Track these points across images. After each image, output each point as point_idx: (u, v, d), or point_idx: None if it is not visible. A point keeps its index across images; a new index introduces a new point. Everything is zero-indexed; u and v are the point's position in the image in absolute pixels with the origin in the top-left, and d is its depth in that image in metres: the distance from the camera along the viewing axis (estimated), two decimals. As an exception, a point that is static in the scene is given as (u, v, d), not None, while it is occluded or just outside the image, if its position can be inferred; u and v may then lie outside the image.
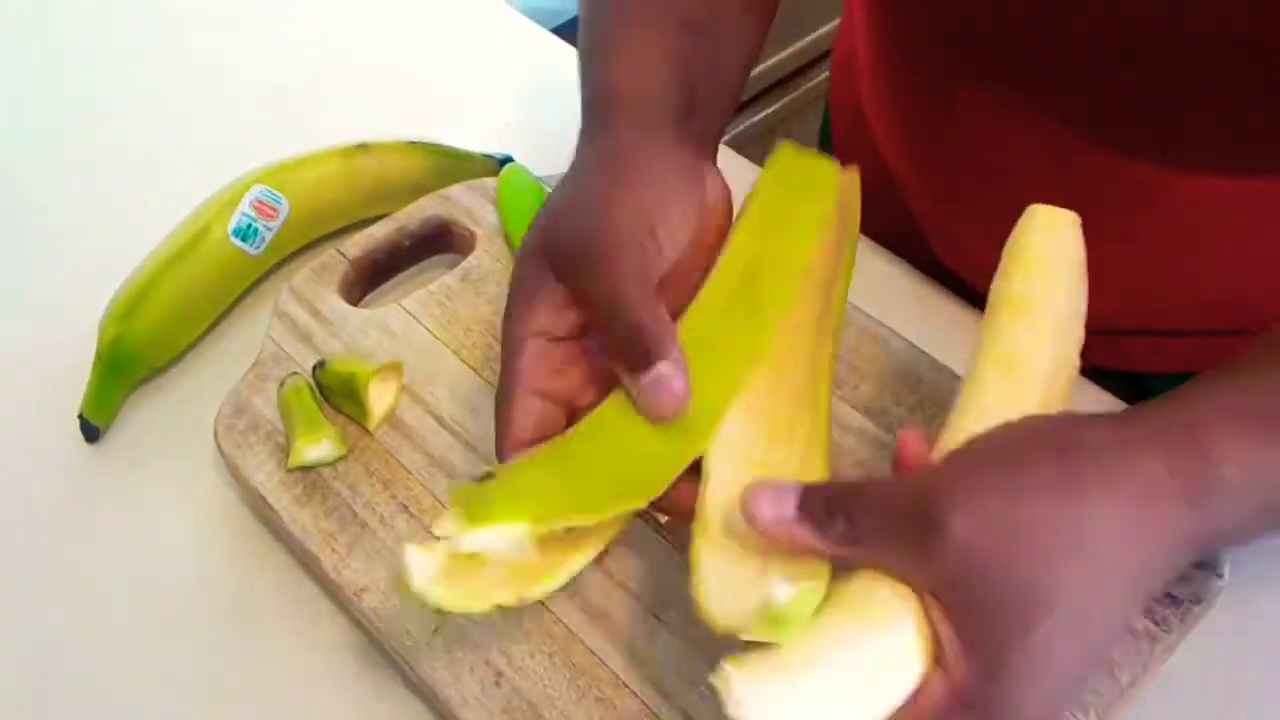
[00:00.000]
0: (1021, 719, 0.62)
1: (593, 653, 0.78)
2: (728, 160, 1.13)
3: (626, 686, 0.76)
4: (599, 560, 0.80)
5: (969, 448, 0.67)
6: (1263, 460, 0.66)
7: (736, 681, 0.61)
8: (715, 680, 0.61)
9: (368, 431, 0.89)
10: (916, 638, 0.63)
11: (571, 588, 0.80)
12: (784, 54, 2.55)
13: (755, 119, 2.59)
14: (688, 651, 0.78)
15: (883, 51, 1.04)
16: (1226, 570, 0.78)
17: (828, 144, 1.24)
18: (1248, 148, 0.84)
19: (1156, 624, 0.76)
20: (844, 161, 1.09)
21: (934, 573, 0.63)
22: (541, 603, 0.80)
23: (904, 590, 0.64)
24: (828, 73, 2.34)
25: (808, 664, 0.62)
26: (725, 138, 0.91)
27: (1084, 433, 0.66)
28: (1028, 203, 0.77)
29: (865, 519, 0.64)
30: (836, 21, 1.21)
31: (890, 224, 1.05)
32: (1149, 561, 0.64)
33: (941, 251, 1.08)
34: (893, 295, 0.99)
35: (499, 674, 0.77)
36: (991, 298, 0.76)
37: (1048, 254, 0.76)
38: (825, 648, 0.63)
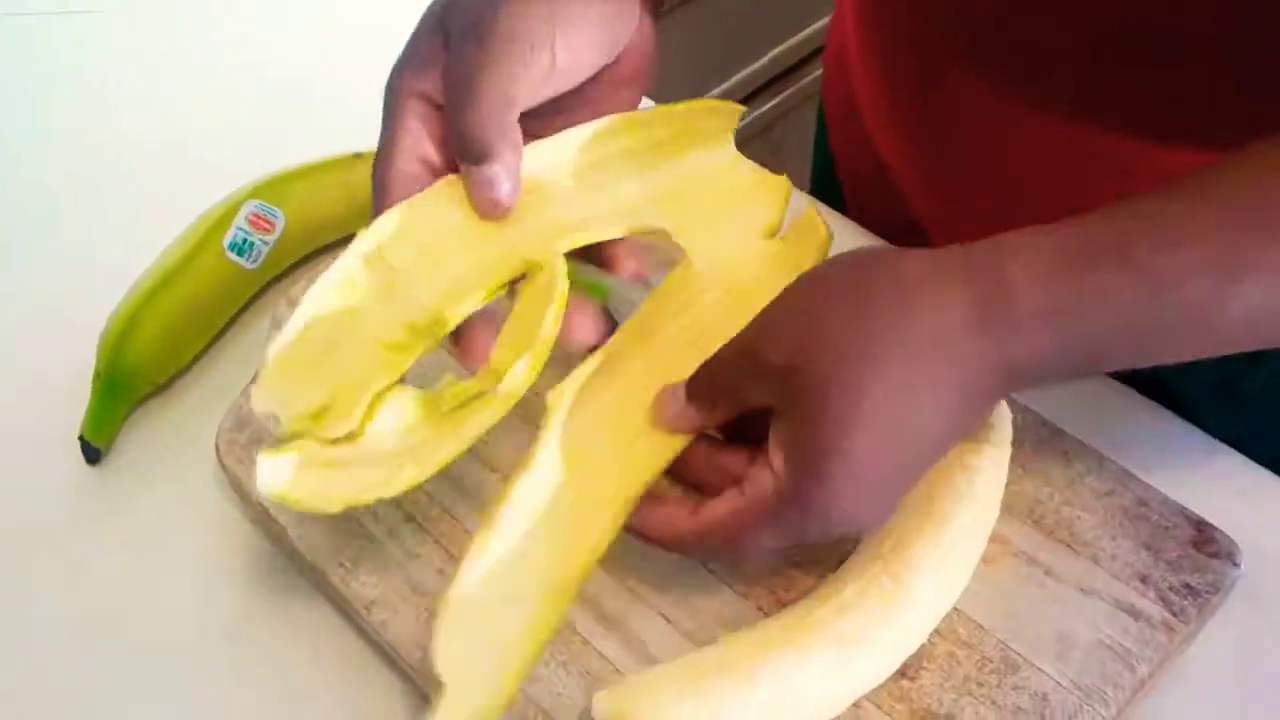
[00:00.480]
0: (833, 517, 0.68)
1: (606, 660, 0.77)
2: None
3: (642, 693, 0.76)
4: (612, 567, 0.80)
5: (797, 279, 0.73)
6: (1058, 295, 0.66)
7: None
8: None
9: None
10: None
11: (585, 595, 0.79)
12: (776, 51, 2.55)
13: (749, 118, 2.59)
14: (702, 656, 0.77)
15: (872, 42, 1.04)
16: (1243, 560, 0.78)
17: (823, 140, 1.23)
18: (1236, 123, 0.83)
19: (1174, 614, 0.76)
20: (842, 156, 1.09)
21: (769, 394, 0.70)
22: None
23: None
24: (820, 70, 2.34)
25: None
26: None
27: (896, 257, 0.71)
28: (1020, 190, 0.77)
29: (719, 378, 0.74)
30: (828, 18, 1.20)
31: (891, 218, 1.05)
32: (950, 376, 0.67)
33: (941, 244, 1.07)
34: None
35: (512, 684, 0.76)
36: None
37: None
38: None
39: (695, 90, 2.38)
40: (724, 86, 2.47)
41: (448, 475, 0.84)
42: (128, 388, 0.95)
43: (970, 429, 0.75)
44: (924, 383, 0.67)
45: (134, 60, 1.30)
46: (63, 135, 1.22)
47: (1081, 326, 0.66)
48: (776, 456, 0.69)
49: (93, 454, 0.93)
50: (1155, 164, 0.86)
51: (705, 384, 0.74)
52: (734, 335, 0.73)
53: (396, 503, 0.85)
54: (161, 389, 0.98)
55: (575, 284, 0.78)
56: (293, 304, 0.94)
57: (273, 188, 1.02)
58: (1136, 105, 0.85)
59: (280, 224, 1.01)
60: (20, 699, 0.83)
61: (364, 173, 1.03)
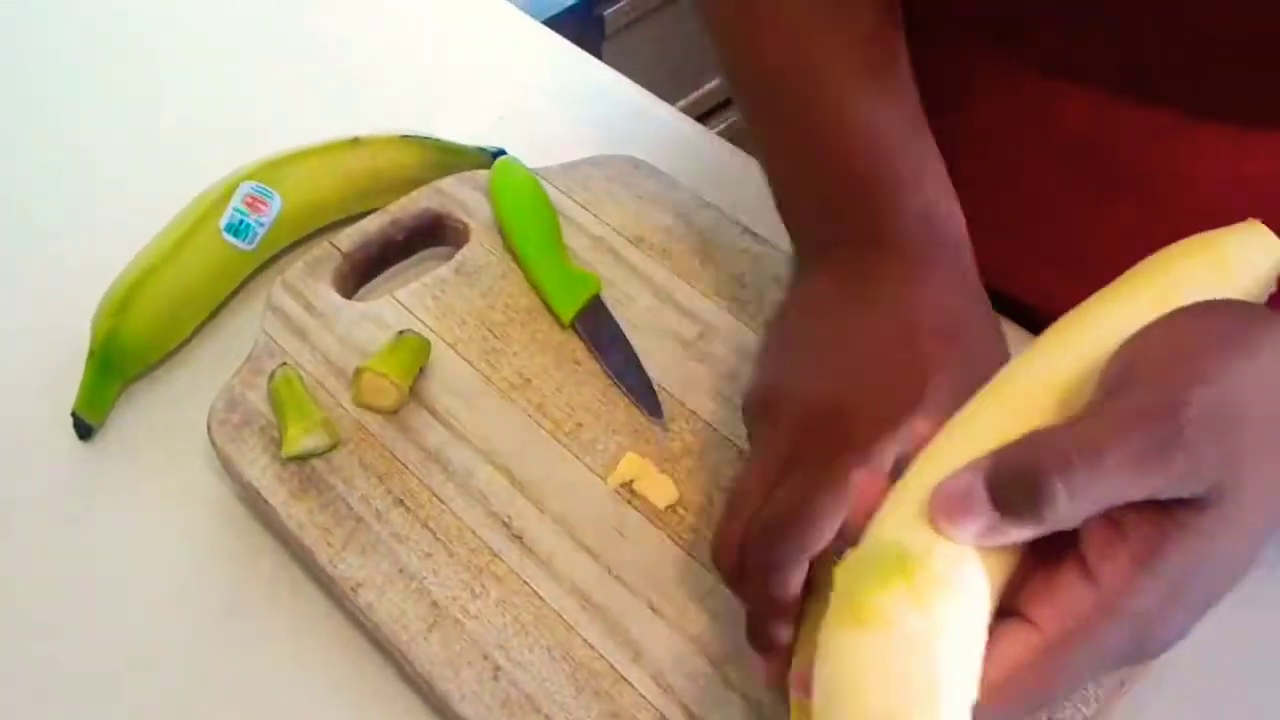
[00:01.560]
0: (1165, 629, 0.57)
1: (591, 646, 0.78)
2: (727, 156, 1.13)
3: (626, 680, 0.76)
4: (599, 559, 0.80)
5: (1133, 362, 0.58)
6: None
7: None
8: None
9: (362, 425, 0.88)
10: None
11: (570, 582, 0.80)
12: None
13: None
14: (687, 645, 0.77)
15: None
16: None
17: None
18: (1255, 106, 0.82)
19: (1157, 613, 0.76)
20: None
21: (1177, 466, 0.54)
22: (540, 596, 0.80)
23: None
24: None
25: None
26: (721, 127, 0.90)
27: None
28: (1033, 190, 0.74)
29: (1085, 465, 0.53)
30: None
31: None
32: None
33: None
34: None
35: (497, 668, 0.77)
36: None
37: (1245, 265, 0.67)
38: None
39: (695, 87, 2.37)
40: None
41: (437, 460, 0.85)
42: (121, 366, 0.95)
43: None
44: None
45: (132, 43, 1.30)
46: (59, 116, 1.22)
47: None
48: (1128, 575, 0.56)
49: (85, 430, 0.93)
50: (1173, 170, 0.85)
51: (1050, 500, 0.54)
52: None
53: (386, 486, 0.85)
54: (155, 367, 0.98)
55: (567, 276, 0.78)
56: (287, 286, 0.95)
57: (270, 170, 1.02)
58: (1163, 99, 0.85)
59: (276, 206, 1.01)
60: (9, 676, 0.83)
61: (361, 157, 1.05)
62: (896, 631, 0.53)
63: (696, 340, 0.93)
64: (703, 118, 2.07)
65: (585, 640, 0.78)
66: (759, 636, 0.67)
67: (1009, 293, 0.89)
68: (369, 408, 0.89)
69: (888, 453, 0.67)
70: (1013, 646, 0.56)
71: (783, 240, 0.94)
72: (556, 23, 1.33)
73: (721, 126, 2.02)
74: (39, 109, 1.23)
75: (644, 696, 0.75)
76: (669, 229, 1.00)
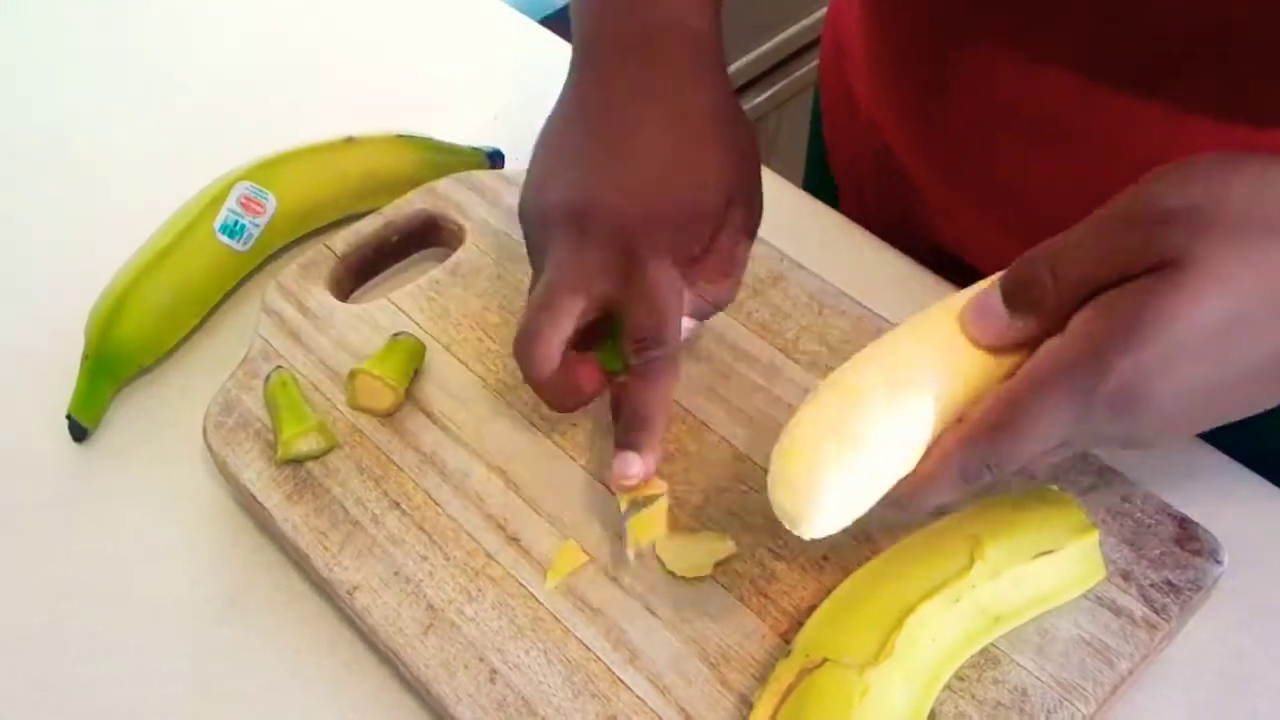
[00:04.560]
0: (1139, 390, 0.61)
1: (587, 648, 0.77)
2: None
3: (622, 681, 0.76)
4: (597, 560, 0.80)
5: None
6: None
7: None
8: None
9: (357, 428, 0.88)
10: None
11: (565, 584, 0.80)
12: (771, 43, 2.54)
13: (760, 98, 2.57)
14: (683, 645, 0.77)
15: (873, 14, 1.03)
16: (1226, 557, 0.78)
17: (818, 132, 1.23)
18: (1240, 97, 0.82)
19: (1155, 611, 0.76)
20: (836, 145, 1.08)
21: (1141, 251, 0.62)
22: (536, 598, 0.79)
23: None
24: (814, 63, 2.33)
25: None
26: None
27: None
28: (1017, 168, 0.75)
29: (1069, 256, 0.64)
30: (821, 12, 1.20)
31: (892, 208, 1.05)
32: None
33: (943, 229, 1.06)
34: (888, 284, 0.99)
35: (493, 671, 0.76)
36: None
37: None
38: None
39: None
40: (749, 57, 2.44)
41: (433, 462, 0.85)
42: (116, 368, 0.95)
43: None
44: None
45: (128, 42, 1.30)
46: (53, 116, 1.22)
47: None
48: (1085, 315, 0.63)
49: (80, 433, 0.93)
50: (1168, 127, 0.85)
51: (1042, 287, 0.65)
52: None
53: (382, 489, 0.85)
54: (150, 369, 0.98)
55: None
56: (282, 289, 0.94)
57: (264, 170, 1.02)
58: (1145, 65, 0.85)
59: (271, 206, 1.01)
60: (3, 678, 0.83)
61: (355, 157, 1.04)
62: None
63: (693, 340, 0.92)
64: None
65: (581, 642, 0.78)
66: (638, 437, 0.78)
67: (982, 266, 0.90)
68: (364, 410, 0.89)
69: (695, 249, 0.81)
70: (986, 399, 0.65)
71: (778, 238, 0.94)
72: (551, 22, 1.33)
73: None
74: (33, 110, 1.23)
75: (640, 698, 0.75)
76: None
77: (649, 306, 0.78)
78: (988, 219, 0.78)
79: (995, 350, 0.67)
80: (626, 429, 0.78)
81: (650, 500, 0.78)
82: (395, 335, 0.91)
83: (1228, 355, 0.61)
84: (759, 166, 0.86)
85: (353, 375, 0.88)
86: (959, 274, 1.00)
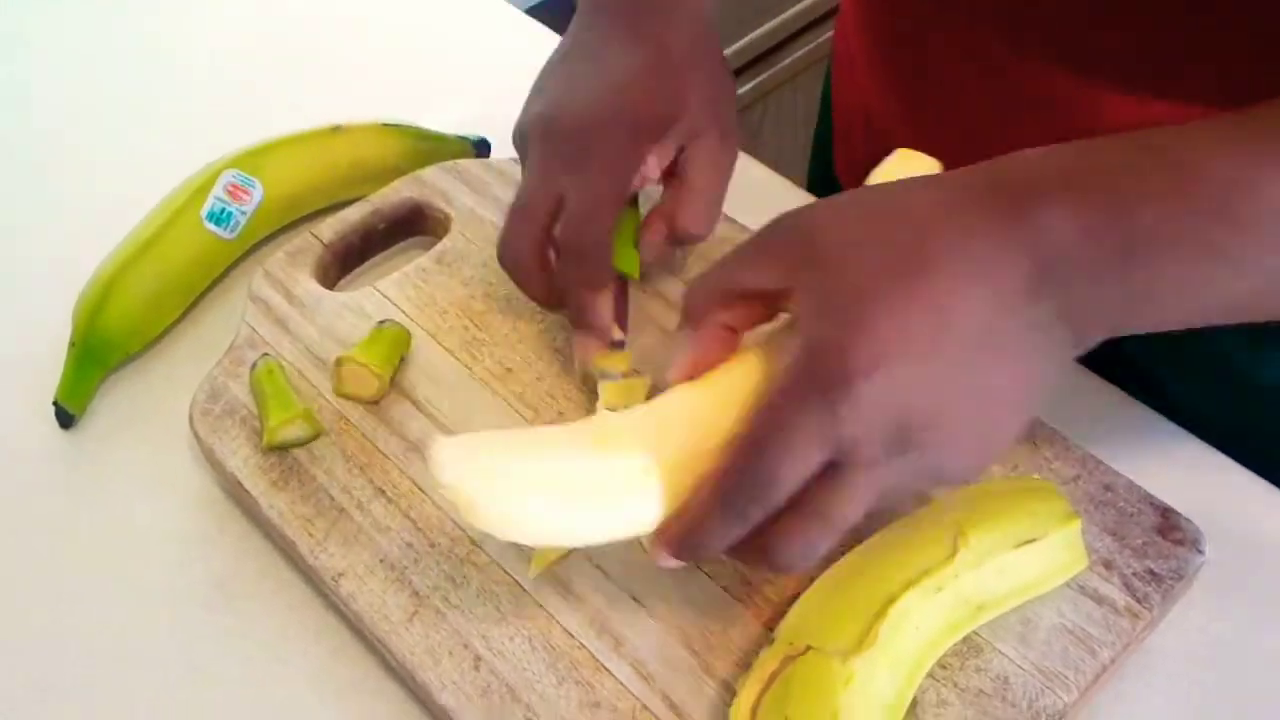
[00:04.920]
0: (882, 377, 0.62)
1: (571, 635, 0.78)
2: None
3: (606, 669, 0.76)
4: (581, 550, 0.80)
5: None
6: (1099, 230, 0.64)
7: (444, 447, 0.68)
8: (430, 447, 0.68)
9: (343, 415, 0.88)
10: (658, 480, 0.68)
11: (550, 572, 0.80)
12: (772, 23, 2.53)
13: (745, 88, 2.56)
14: (667, 633, 0.77)
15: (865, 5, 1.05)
16: (1208, 547, 0.78)
17: (828, 101, 1.22)
18: (1238, 83, 0.83)
19: (1138, 600, 0.76)
20: (838, 114, 1.08)
21: (776, 268, 0.68)
22: (521, 586, 0.80)
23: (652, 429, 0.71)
24: (818, 40, 2.31)
25: (527, 452, 0.70)
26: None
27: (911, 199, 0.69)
28: (994, 151, 0.76)
29: (713, 273, 0.72)
30: (802, 5, 1.19)
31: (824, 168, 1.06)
32: (1003, 302, 0.64)
33: None
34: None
35: (478, 658, 0.77)
36: None
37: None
38: (555, 445, 0.71)
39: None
40: (734, 47, 2.44)
41: (418, 450, 0.85)
42: (102, 355, 0.95)
43: (1024, 342, 0.66)
44: (976, 304, 0.64)
45: (115, 30, 1.30)
46: (40, 106, 1.22)
47: (1106, 197, 0.64)
48: (792, 336, 0.66)
49: (66, 419, 0.93)
50: (1138, 117, 0.85)
51: (699, 285, 0.73)
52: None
53: (368, 477, 0.85)
54: (136, 357, 0.98)
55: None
56: (269, 276, 0.94)
57: (251, 158, 1.02)
58: (1120, 55, 0.85)
59: (258, 194, 1.01)
60: (-11, 664, 0.83)
61: (342, 145, 1.04)
62: None
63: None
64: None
65: (565, 629, 0.78)
66: (584, 316, 0.86)
67: None
68: (350, 398, 0.89)
69: (652, 152, 0.87)
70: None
71: (757, 222, 0.94)
72: (538, 11, 1.33)
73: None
74: (17, 99, 1.23)
75: (624, 685, 0.75)
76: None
77: (581, 195, 0.84)
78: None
79: (681, 378, 0.73)
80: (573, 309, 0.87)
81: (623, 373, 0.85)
82: (381, 323, 0.91)
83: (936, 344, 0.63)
84: (733, 108, 0.92)
85: (338, 363, 0.88)
86: None
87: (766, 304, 0.71)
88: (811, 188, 1.17)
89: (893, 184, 0.71)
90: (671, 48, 0.88)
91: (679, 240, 0.89)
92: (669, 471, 0.68)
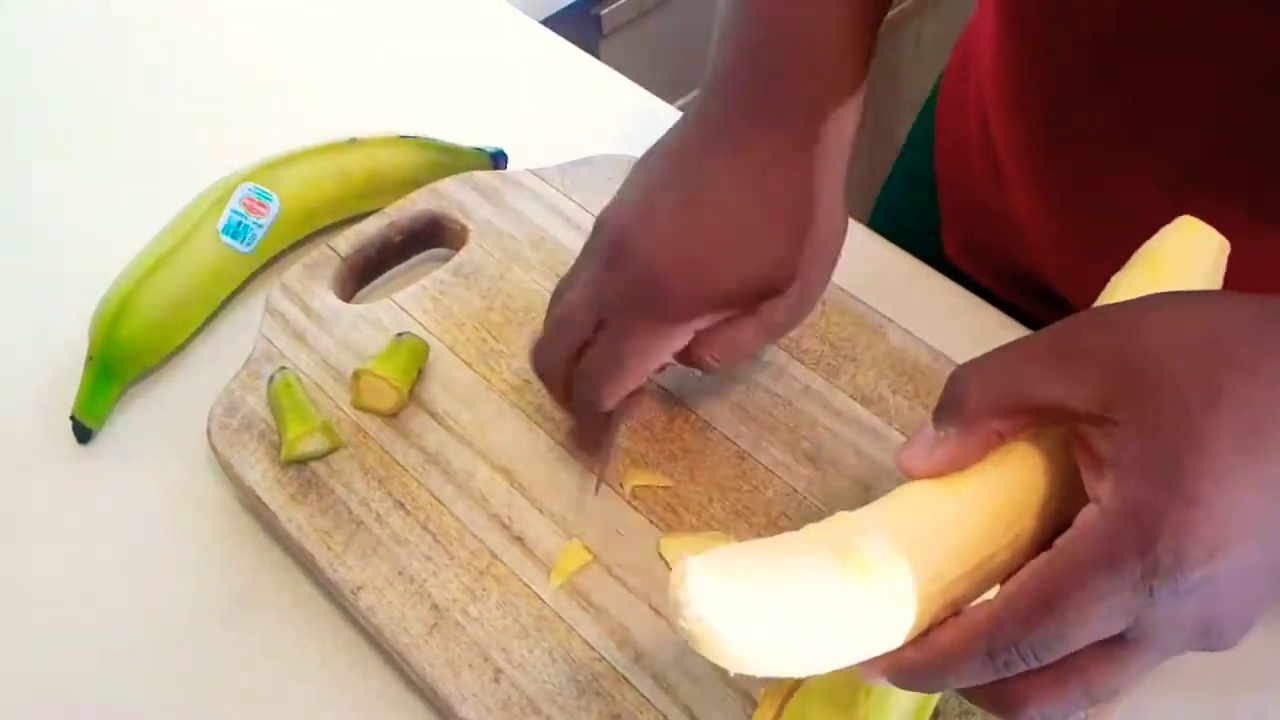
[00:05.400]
0: (1193, 557, 0.53)
1: (592, 647, 0.78)
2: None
3: (627, 680, 0.76)
4: (600, 559, 0.80)
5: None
6: None
7: (696, 573, 0.57)
8: (674, 570, 0.57)
9: (361, 428, 0.88)
10: (912, 591, 0.58)
11: (570, 583, 0.80)
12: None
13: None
14: (687, 644, 0.77)
15: (1009, 61, 0.98)
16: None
17: (924, 131, 1.20)
18: None
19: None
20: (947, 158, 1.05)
21: (1087, 388, 0.57)
22: (540, 598, 0.80)
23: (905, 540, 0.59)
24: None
25: (777, 580, 0.59)
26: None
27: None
28: (1135, 233, 0.72)
29: (991, 372, 0.61)
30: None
31: (912, 226, 1.04)
32: None
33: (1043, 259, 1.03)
34: (890, 283, 0.99)
35: (498, 670, 0.77)
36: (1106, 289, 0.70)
37: (1181, 261, 0.70)
38: (802, 569, 0.59)
39: (693, 86, 2.34)
40: None
41: (436, 462, 0.85)
42: (120, 369, 0.95)
43: None
44: None
45: (132, 44, 1.30)
46: (58, 117, 1.22)
47: None
48: (1099, 480, 0.56)
49: (84, 434, 0.93)
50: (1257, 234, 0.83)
51: (979, 383, 0.61)
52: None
53: (386, 489, 0.85)
54: (153, 371, 0.98)
55: None
56: (286, 289, 0.94)
57: (267, 171, 1.02)
58: (1251, 169, 0.84)
59: (274, 208, 1.01)
60: (8, 679, 0.83)
61: (359, 157, 1.04)
62: None
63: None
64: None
65: (585, 641, 0.78)
66: (585, 440, 0.87)
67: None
68: (368, 410, 0.89)
69: (698, 325, 0.79)
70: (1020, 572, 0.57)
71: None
72: (554, 22, 1.33)
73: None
74: (36, 112, 1.23)
75: (645, 697, 0.75)
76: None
77: (622, 344, 0.79)
78: (1101, 258, 0.75)
79: (924, 474, 0.62)
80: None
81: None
82: (399, 335, 0.91)
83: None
84: (829, 264, 0.82)
85: (357, 375, 0.88)
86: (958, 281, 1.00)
87: (1056, 421, 0.60)
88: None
89: (1225, 301, 0.61)
90: (773, 197, 0.78)
91: (700, 368, 0.83)
92: (924, 588, 0.59)
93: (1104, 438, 0.56)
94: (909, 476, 0.62)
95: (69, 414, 0.93)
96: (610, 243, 0.79)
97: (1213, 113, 0.84)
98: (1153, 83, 0.85)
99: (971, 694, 0.60)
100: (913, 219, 1.18)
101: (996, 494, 0.61)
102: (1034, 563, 0.57)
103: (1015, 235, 1.04)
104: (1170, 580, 0.53)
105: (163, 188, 1.03)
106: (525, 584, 0.80)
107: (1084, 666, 0.56)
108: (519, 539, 0.83)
